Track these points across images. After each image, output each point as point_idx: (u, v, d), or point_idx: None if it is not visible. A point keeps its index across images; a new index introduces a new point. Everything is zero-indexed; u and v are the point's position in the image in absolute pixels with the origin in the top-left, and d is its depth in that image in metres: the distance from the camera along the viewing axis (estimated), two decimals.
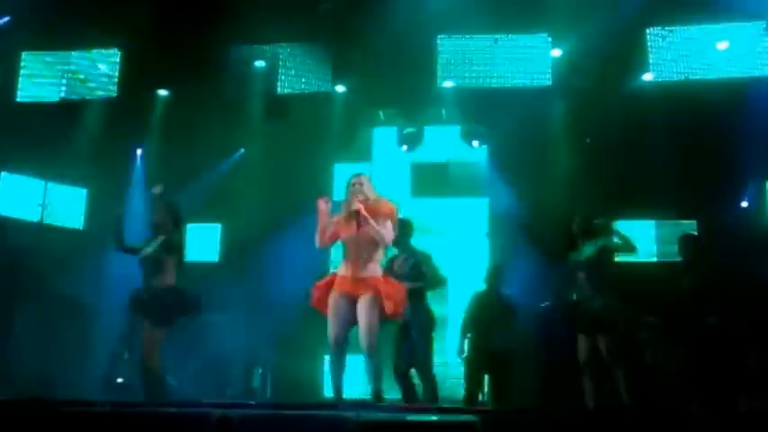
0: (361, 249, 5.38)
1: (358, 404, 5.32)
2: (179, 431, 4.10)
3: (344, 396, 5.47)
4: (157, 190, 6.32)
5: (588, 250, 6.55)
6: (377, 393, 5.32)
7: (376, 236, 5.32)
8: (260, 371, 9.18)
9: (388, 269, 6.43)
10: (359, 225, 5.31)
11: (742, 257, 8.49)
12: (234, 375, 9.12)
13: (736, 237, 8.97)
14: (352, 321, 5.35)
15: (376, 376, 5.36)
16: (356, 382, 6.51)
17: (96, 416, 4.31)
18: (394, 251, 6.68)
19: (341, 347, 5.37)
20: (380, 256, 5.52)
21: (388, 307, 5.30)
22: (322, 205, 5.45)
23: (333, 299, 5.36)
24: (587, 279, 6.50)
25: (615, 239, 6.59)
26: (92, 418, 4.25)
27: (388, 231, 5.37)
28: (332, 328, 5.35)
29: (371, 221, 5.30)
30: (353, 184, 5.47)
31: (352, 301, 5.34)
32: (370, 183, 5.56)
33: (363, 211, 5.29)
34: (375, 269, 5.42)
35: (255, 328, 9.22)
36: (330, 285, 5.43)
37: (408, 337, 6.86)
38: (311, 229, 5.53)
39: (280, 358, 9.01)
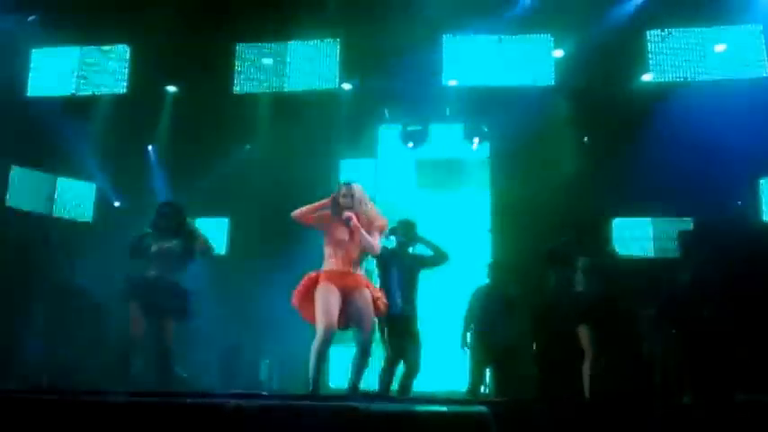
0: (353, 251, 5.41)
1: (368, 396, 5.28)
2: (194, 421, 3.98)
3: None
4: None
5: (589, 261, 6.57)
6: (356, 386, 5.34)
7: (366, 245, 5.38)
8: (267, 362, 9.13)
9: (393, 260, 6.74)
10: (351, 235, 5.37)
11: (737, 253, 8.48)
12: (241, 367, 9.05)
13: (731, 233, 8.95)
14: (338, 312, 5.28)
15: (362, 369, 5.36)
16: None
17: (112, 405, 4.17)
18: None
19: (330, 341, 5.20)
20: (363, 262, 5.57)
21: (383, 304, 5.49)
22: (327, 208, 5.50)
23: (325, 287, 5.24)
24: (588, 279, 6.50)
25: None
26: (107, 408, 4.11)
27: (376, 243, 5.47)
28: (328, 314, 5.16)
29: (363, 233, 5.36)
30: (344, 195, 5.48)
31: (342, 293, 5.28)
32: (363, 193, 5.57)
33: (356, 222, 5.37)
34: (361, 272, 5.48)
35: (262, 320, 9.16)
36: (311, 285, 5.32)
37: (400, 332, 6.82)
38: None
39: (286, 350, 8.92)
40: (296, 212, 5.51)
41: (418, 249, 7.20)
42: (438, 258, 7.07)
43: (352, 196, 5.46)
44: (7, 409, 4.10)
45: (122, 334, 6.45)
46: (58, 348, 8.38)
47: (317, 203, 5.54)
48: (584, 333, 6.38)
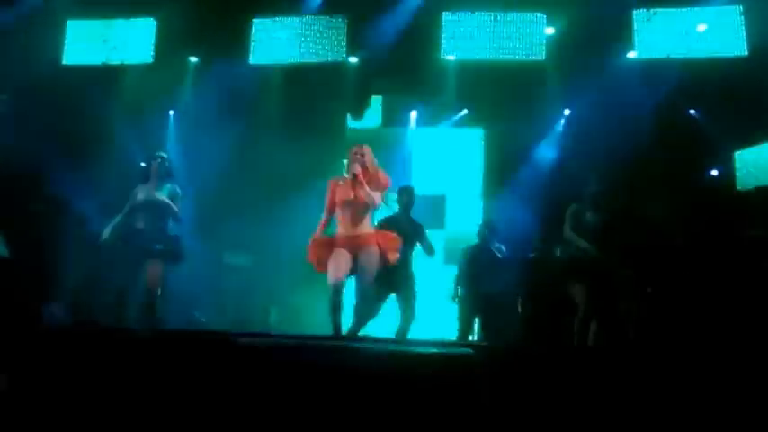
0: (356, 211, 5.67)
1: (367, 338, 5.52)
2: (211, 355, 4.20)
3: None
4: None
5: (598, 216, 6.58)
6: (355, 332, 5.63)
7: (367, 198, 5.62)
8: (276, 310, 9.31)
9: (393, 225, 6.66)
10: (354, 188, 5.63)
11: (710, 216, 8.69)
12: (252, 314, 9.23)
13: (706, 201, 9.14)
14: (348, 271, 5.61)
15: (359, 315, 5.68)
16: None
17: (139, 340, 4.56)
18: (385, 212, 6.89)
19: (341, 293, 5.53)
20: (370, 216, 5.78)
21: (392, 255, 5.72)
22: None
23: (336, 252, 5.58)
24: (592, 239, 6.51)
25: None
26: (136, 342, 4.47)
27: (377, 197, 5.70)
28: (334, 276, 5.51)
29: (365, 186, 5.61)
30: (355, 153, 5.78)
31: (351, 255, 5.59)
32: (371, 154, 5.82)
33: (361, 177, 5.63)
34: (368, 226, 5.73)
35: (274, 269, 9.35)
36: (330, 245, 5.63)
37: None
38: (325, 180, 5.87)
39: (295, 298, 9.13)
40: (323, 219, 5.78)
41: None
42: (429, 251, 7.14)
43: (363, 155, 5.73)
44: (45, 341, 4.43)
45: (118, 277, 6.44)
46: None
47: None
48: (578, 289, 6.44)
